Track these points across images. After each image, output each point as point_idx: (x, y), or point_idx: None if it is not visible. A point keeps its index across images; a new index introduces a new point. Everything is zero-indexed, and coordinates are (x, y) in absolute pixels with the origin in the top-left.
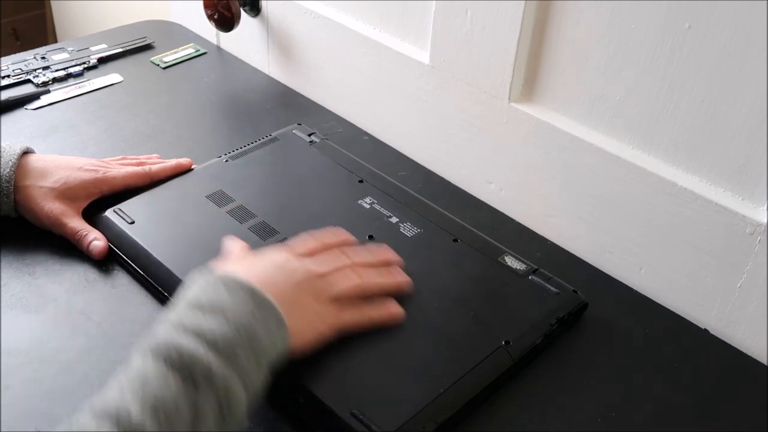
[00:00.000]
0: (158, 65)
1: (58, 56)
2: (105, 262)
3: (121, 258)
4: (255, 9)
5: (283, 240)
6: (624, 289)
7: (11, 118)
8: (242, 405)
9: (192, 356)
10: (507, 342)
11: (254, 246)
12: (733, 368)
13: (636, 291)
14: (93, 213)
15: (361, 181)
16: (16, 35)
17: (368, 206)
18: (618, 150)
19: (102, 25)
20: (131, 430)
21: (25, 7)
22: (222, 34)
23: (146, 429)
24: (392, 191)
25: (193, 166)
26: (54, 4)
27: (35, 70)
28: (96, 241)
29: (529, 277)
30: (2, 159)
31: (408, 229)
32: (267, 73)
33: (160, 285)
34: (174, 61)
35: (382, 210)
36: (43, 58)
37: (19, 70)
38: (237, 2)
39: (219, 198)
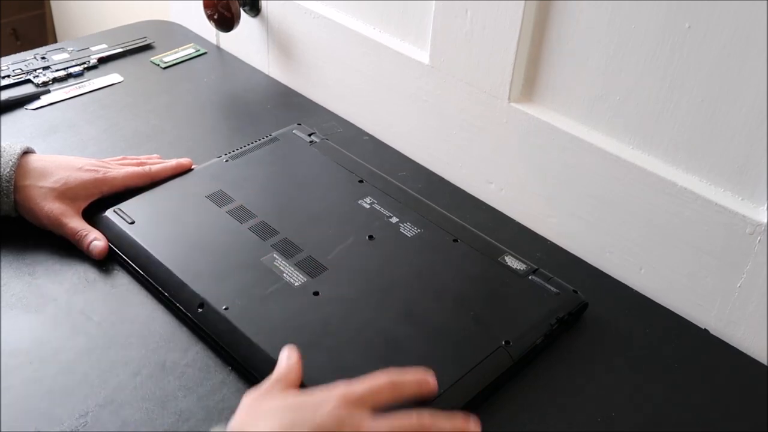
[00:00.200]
0: (158, 65)
1: (58, 56)
2: (105, 262)
3: (121, 258)
4: (255, 9)
5: (283, 240)
6: (624, 289)
7: (11, 118)
8: None
9: None
10: (507, 342)
11: (254, 245)
12: (733, 368)
13: (636, 291)
14: (93, 213)
15: (361, 181)
16: (16, 35)
17: (368, 206)
18: (618, 150)
19: (102, 25)
20: None
21: (25, 7)
22: (222, 34)
23: None
24: (392, 191)
25: (193, 166)
26: (54, 4)
27: (35, 70)
28: (96, 241)
29: (529, 277)
30: (2, 159)
31: (408, 229)
32: (267, 73)
33: (160, 285)
34: (174, 61)
35: (382, 210)
36: (43, 58)
37: (19, 70)
38: (237, 2)
39: (219, 198)
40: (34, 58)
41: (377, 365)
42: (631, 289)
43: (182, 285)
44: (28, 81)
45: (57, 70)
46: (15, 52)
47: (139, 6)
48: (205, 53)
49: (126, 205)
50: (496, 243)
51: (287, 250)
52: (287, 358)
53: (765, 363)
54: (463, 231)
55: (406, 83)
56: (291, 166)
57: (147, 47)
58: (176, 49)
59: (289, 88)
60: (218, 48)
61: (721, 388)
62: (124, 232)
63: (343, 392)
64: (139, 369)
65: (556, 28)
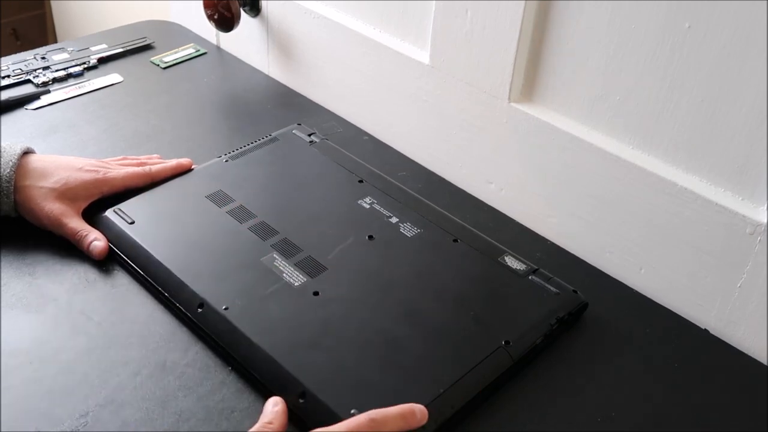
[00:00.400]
0: (158, 65)
1: (58, 56)
2: (105, 262)
3: (121, 258)
4: (255, 9)
5: (283, 240)
6: (624, 289)
7: (11, 118)
8: None
9: None
10: (507, 342)
11: (254, 245)
12: (733, 368)
13: (636, 291)
14: (93, 213)
15: (361, 181)
16: (16, 35)
17: (368, 206)
18: (618, 150)
19: (102, 25)
20: None
21: (25, 7)
22: (222, 34)
23: None
24: (392, 191)
25: (193, 166)
26: (54, 4)
27: (35, 70)
28: (96, 241)
29: (529, 277)
30: (2, 159)
31: (408, 229)
32: (267, 73)
33: (160, 285)
34: (174, 61)
35: (382, 210)
36: (43, 58)
37: (19, 70)
38: (237, 2)
39: (219, 198)
40: (34, 58)
41: (377, 365)
42: (631, 289)
43: (182, 285)
44: (28, 81)
45: (57, 70)
46: (15, 52)
47: (139, 6)
48: (205, 53)
49: (126, 205)
50: (496, 243)
51: (287, 250)
52: (273, 405)
53: (765, 363)
54: (463, 231)
55: (406, 83)
56: (291, 166)
57: (147, 47)
58: (176, 49)
59: (289, 88)
60: (218, 48)
61: (721, 388)
62: (124, 232)
63: None
64: (139, 369)
65: (556, 28)
